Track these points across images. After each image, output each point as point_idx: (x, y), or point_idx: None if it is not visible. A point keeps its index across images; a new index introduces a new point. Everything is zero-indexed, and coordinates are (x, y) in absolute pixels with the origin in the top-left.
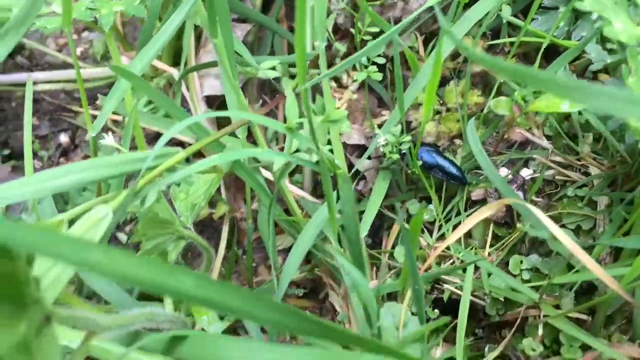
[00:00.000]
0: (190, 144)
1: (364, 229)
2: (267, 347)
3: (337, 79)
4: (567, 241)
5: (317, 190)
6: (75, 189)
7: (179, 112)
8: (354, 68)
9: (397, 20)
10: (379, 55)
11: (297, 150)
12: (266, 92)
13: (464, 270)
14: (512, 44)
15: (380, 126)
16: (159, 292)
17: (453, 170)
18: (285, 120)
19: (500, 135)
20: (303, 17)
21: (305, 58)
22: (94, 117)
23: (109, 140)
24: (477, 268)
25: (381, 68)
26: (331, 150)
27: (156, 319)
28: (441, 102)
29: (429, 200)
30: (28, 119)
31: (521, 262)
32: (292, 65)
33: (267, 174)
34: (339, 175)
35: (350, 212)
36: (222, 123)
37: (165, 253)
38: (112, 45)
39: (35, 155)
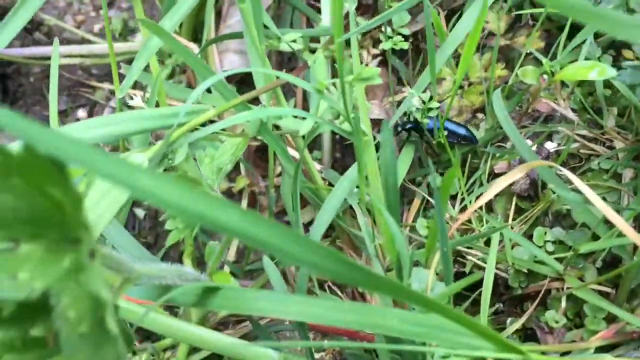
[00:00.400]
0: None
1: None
2: (297, 298)
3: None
4: (599, 203)
5: (335, 167)
6: (110, 141)
7: (206, 71)
8: (374, 44)
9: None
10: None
11: None
12: (284, 68)
13: (487, 243)
14: (536, 19)
15: (400, 103)
16: (205, 222)
17: (462, 131)
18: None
19: (525, 106)
20: None
21: (342, 7)
22: (111, 92)
23: (137, 100)
24: (499, 241)
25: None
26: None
27: (184, 276)
28: (464, 76)
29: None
30: (54, 86)
31: (545, 233)
32: (314, 39)
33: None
34: (365, 142)
35: (390, 156)
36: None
37: None
38: (138, 8)
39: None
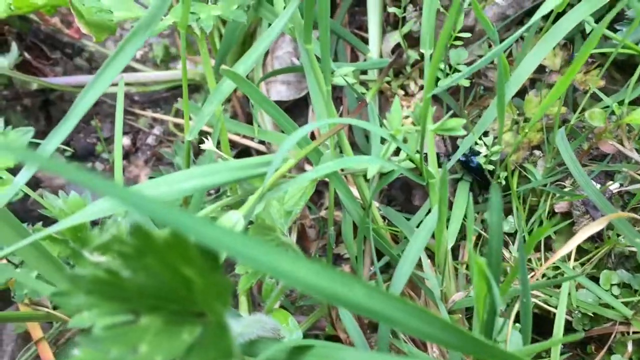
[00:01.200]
0: (258, 150)
1: (451, 240)
2: (393, 358)
3: (404, 88)
4: None
5: (391, 205)
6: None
7: (288, 123)
8: (421, 75)
9: (469, 29)
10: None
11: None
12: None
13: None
14: (601, 54)
15: (453, 138)
16: (337, 301)
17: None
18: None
19: (588, 146)
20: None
21: (440, 57)
22: (155, 119)
23: (208, 144)
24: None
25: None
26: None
27: (264, 326)
28: (519, 112)
29: (505, 212)
30: (119, 124)
31: (610, 277)
32: (364, 72)
33: None
34: (432, 185)
35: (497, 220)
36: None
37: None
38: (203, 47)
39: (97, 157)
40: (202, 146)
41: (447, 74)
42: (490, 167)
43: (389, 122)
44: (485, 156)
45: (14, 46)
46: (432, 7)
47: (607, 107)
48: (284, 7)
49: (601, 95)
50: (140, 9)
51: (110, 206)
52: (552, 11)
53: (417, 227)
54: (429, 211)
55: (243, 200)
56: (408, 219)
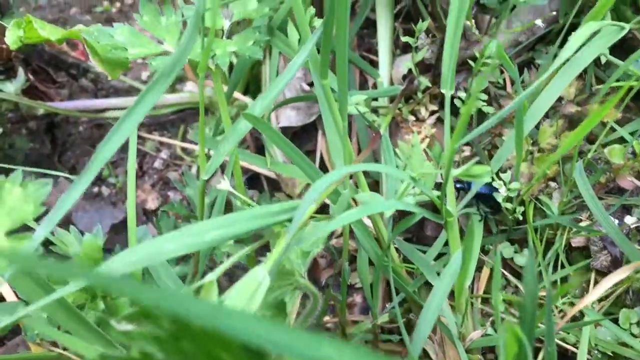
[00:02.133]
0: (266, 176)
1: (469, 278)
2: None
3: (414, 113)
4: None
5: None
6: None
7: (311, 169)
8: (432, 100)
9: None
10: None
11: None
12: None
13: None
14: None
15: (460, 163)
16: None
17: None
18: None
19: (605, 179)
20: None
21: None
22: (161, 143)
23: (225, 184)
24: (579, 316)
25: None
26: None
27: None
28: (533, 141)
29: (519, 243)
30: (132, 187)
31: (630, 315)
32: (374, 98)
33: None
34: (449, 223)
35: (532, 285)
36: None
37: (282, 304)
38: (217, 83)
39: (104, 181)
40: (218, 186)
41: (463, 101)
42: (509, 205)
43: (411, 166)
44: (506, 195)
45: (21, 72)
46: (453, 47)
47: (626, 141)
48: (299, 39)
49: (618, 128)
50: (155, 44)
51: (133, 261)
52: (565, 38)
53: (435, 259)
54: (445, 243)
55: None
56: (423, 252)
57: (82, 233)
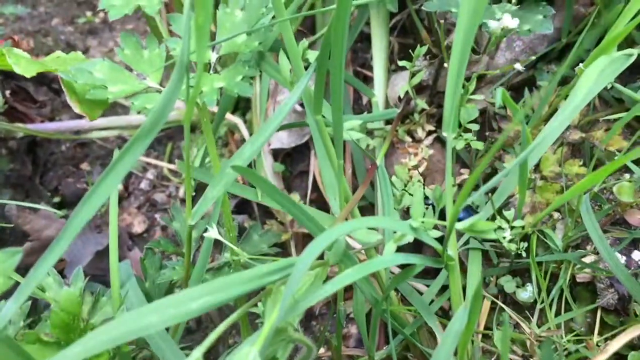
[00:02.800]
0: (258, 203)
1: (462, 318)
2: None
3: (410, 133)
4: None
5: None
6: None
7: (311, 221)
8: (429, 120)
9: (479, 77)
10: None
11: None
12: None
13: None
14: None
15: (460, 185)
16: None
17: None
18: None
19: (611, 213)
20: None
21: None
22: (149, 164)
23: (213, 232)
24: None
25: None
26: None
27: None
28: (534, 168)
29: (522, 276)
30: (114, 225)
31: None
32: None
33: None
34: (451, 267)
35: None
36: (286, 176)
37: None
38: (205, 120)
39: None
40: (205, 234)
41: (459, 134)
42: (513, 247)
43: (412, 214)
44: (507, 236)
45: None
46: (456, 93)
47: (633, 175)
48: (290, 70)
49: (634, 168)
50: (137, 80)
51: (113, 338)
52: (566, 55)
53: (430, 304)
54: (444, 288)
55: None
56: (420, 293)
57: (62, 274)
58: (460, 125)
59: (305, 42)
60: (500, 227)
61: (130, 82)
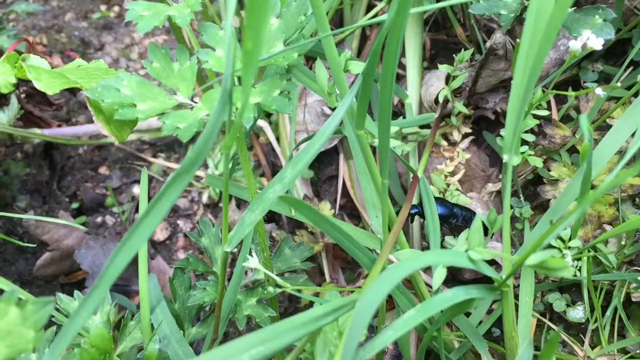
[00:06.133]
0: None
1: (525, 333)
2: None
3: (446, 136)
4: None
5: None
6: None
7: (365, 255)
8: (464, 121)
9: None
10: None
11: None
12: None
13: None
14: None
15: (499, 192)
16: None
17: (469, 213)
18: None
19: None
20: None
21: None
22: (170, 168)
23: (254, 262)
24: None
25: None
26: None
27: None
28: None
29: (570, 292)
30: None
31: None
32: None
33: None
34: (504, 294)
35: None
36: (314, 181)
37: None
38: (243, 151)
39: (107, 209)
40: (246, 264)
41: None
42: (571, 271)
43: (469, 242)
44: (569, 262)
45: (14, 99)
46: (520, 112)
47: None
48: (328, 78)
49: None
50: (167, 96)
51: None
52: (613, 53)
53: (477, 326)
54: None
55: None
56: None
57: (83, 285)
58: None
59: (347, 53)
60: (557, 248)
61: (160, 98)
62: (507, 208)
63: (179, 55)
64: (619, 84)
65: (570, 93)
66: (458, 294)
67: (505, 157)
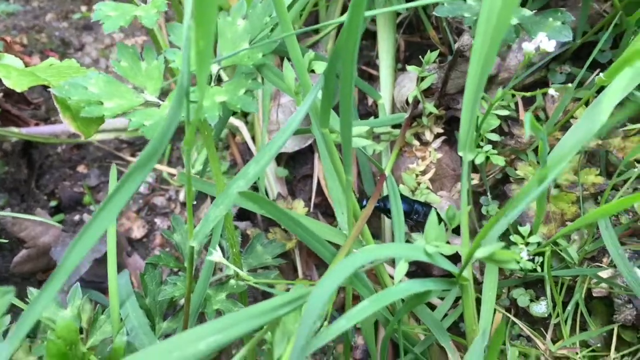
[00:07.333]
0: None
1: (486, 326)
2: None
3: (418, 136)
4: None
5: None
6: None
7: (327, 250)
8: (436, 121)
9: (490, 78)
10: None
11: None
12: None
13: None
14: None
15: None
16: None
17: (430, 210)
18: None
19: (630, 228)
20: None
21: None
22: None
23: (217, 255)
24: None
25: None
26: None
27: None
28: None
29: (535, 288)
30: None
31: None
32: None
33: None
34: (464, 288)
35: None
36: (289, 180)
37: None
38: (209, 142)
39: (84, 207)
40: (209, 258)
41: (479, 145)
42: (529, 265)
43: (426, 236)
44: (525, 257)
45: None
46: (473, 112)
47: None
48: (295, 78)
49: None
50: (134, 94)
51: None
52: (580, 56)
53: (442, 319)
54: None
55: None
56: (431, 307)
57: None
58: (479, 135)
59: (311, 54)
60: (514, 243)
61: (127, 96)
62: (464, 203)
63: (147, 55)
64: (570, 85)
65: (527, 94)
66: (414, 285)
67: (461, 153)
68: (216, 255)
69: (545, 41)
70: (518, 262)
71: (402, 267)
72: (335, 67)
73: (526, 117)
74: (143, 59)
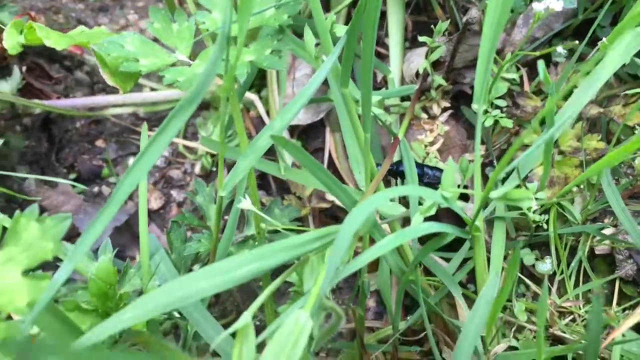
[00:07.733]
0: (274, 175)
1: (494, 285)
2: None
3: (426, 110)
4: None
5: None
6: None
7: (347, 196)
8: (444, 96)
9: (498, 52)
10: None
11: None
12: None
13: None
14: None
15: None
16: None
17: (439, 172)
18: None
19: (631, 188)
20: None
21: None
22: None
23: (247, 203)
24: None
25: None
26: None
27: None
28: (553, 143)
29: (539, 249)
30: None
31: None
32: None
33: None
34: (476, 238)
35: (596, 327)
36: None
37: None
38: (234, 101)
39: (103, 180)
40: (240, 206)
41: (486, 111)
42: (537, 217)
43: (442, 184)
44: (534, 207)
45: (16, 70)
46: (487, 69)
47: None
48: (316, 44)
49: None
50: (167, 54)
51: (165, 303)
52: (581, 31)
53: (454, 274)
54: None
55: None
56: (446, 258)
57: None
58: (488, 100)
59: (333, 16)
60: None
61: (160, 55)
62: (477, 153)
63: (178, 17)
64: (577, 42)
65: (535, 53)
66: (433, 226)
67: (474, 107)
68: (245, 203)
69: (554, 1)
70: (530, 200)
71: (418, 219)
72: (358, 26)
73: (539, 64)
74: (174, 20)
